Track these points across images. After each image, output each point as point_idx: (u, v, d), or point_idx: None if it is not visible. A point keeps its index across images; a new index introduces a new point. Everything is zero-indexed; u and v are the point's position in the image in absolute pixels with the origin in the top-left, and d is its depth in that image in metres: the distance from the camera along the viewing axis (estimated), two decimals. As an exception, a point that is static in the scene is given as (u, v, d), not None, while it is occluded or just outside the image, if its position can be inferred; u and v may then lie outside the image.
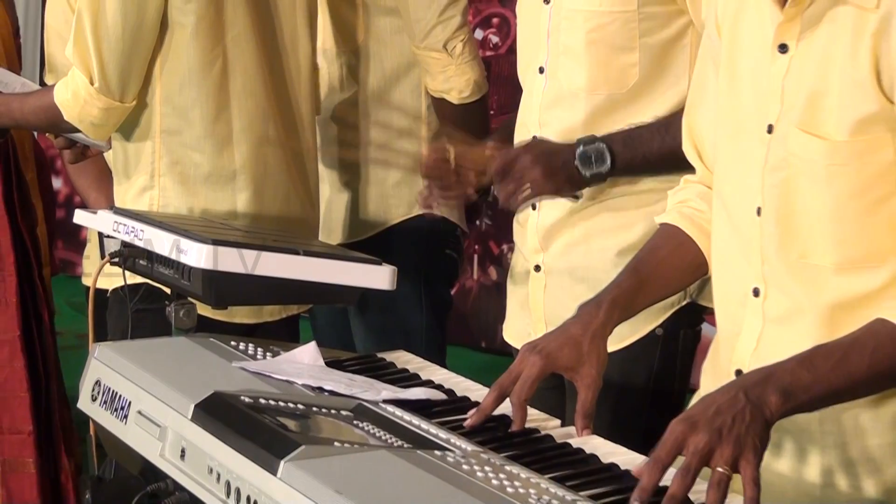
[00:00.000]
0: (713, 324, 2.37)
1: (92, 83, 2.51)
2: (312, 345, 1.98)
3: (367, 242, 2.90)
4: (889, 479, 1.68)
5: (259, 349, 1.97)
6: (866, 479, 1.69)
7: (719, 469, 1.43)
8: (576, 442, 1.69)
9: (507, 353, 2.41)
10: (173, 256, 2.04)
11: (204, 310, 2.19)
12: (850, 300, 1.65)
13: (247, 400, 1.65)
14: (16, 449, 3.28)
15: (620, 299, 1.84)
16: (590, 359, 1.80)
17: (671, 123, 2.14)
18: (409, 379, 1.95)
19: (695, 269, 1.90)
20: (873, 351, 1.54)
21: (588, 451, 1.66)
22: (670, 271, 1.89)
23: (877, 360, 1.54)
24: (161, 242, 2.07)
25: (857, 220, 1.63)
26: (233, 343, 1.99)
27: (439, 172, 2.28)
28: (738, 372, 1.74)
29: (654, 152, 2.16)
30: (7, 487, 3.28)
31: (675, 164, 2.07)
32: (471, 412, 1.73)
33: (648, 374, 2.28)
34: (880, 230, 1.63)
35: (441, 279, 3.00)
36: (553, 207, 2.30)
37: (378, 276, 2.06)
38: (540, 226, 2.31)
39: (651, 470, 1.44)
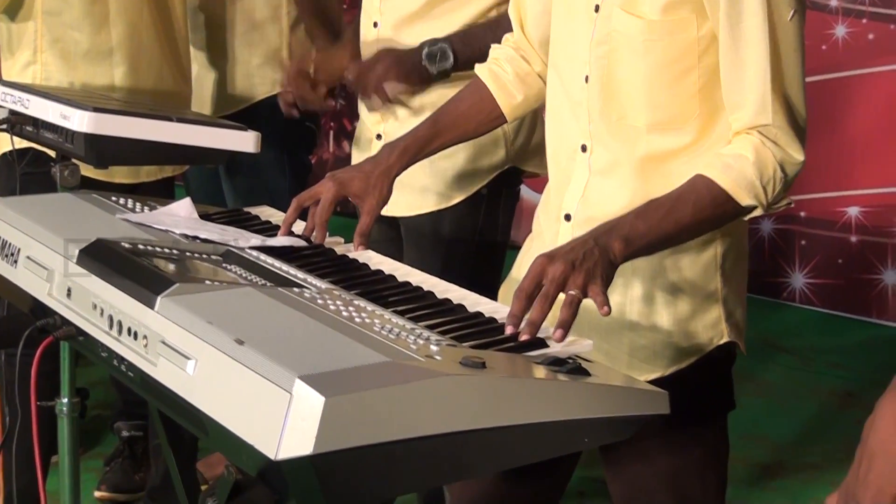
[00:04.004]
0: (531, 187, 2.39)
1: (-23, -33, 2.40)
2: (187, 200, 1.93)
3: (236, 116, 2.84)
4: (680, 311, 1.74)
5: (138, 204, 1.92)
6: (662, 310, 1.74)
7: (572, 292, 1.46)
8: (416, 281, 1.70)
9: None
10: (58, 122, 1.99)
11: (87, 170, 2.15)
12: (659, 155, 1.69)
13: (127, 245, 1.61)
14: None
15: (413, 146, 1.89)
16: (374, 191, 1.87)
17: (499, 23, 2.14)
18: (273, 230, 1.92)
19: (491, 121, 1.94)
20: (695, 201, 1.59)
21: (426, 289, 1.66)
22: (466, 123, 1.92)
23: (698, 209, 1.59)
24: (46, 110, 2.02)
25: (667, 88, 1.66)
26: (114, 198, 1.93)
27: (299, 90, 2.24)
28: (567, 216, 1.77)
29: (487, 47, 2.16)
30: None
31: None
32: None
33: (475, 228, 2.30)
34: (684, 97, 1.66)
35: (301, 147, 2.96)
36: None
37: (243, 140, 2.03)
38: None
39: (517, 299, 1.46)
